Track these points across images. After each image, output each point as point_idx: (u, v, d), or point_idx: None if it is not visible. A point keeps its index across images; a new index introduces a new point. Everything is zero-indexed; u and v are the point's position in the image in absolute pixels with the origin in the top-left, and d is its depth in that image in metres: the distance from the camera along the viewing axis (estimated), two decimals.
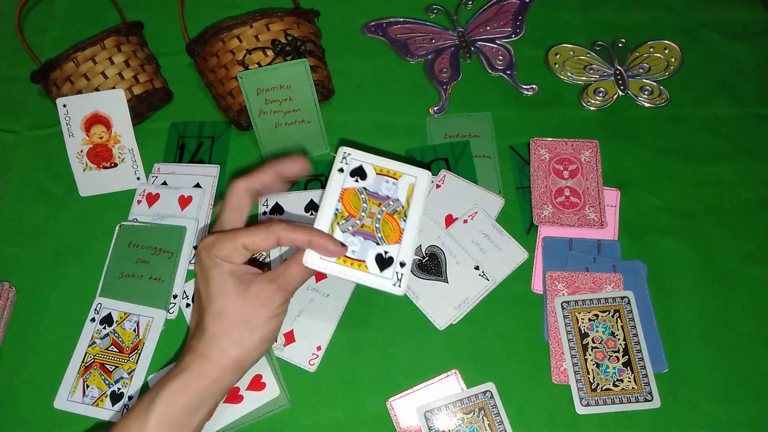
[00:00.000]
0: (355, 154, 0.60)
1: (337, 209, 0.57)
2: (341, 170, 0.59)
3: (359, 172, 0.60)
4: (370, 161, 0.60)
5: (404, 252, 0.56)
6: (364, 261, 0.56)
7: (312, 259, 0.54)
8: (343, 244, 0.55)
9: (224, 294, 0.51)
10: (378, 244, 0.57)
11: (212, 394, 0.51)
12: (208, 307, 0.51)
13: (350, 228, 0.57)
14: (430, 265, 0.71)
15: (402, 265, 0.56)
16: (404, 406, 0.65)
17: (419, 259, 0.72)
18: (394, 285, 0.55)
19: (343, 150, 0.60)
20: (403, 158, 0.60)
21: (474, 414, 0.63)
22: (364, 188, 0.59)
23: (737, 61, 0.86)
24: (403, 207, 0.58)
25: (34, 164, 0.81)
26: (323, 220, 0.57)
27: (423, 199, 0.59)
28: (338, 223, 0.57)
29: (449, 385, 0.65)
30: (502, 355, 0.68)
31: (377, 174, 0.60)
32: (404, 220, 0.58)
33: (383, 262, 0.56)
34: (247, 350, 0.51)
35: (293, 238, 0.53)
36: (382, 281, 0.55)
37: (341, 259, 0.55)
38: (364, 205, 0.57)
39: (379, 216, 0.57)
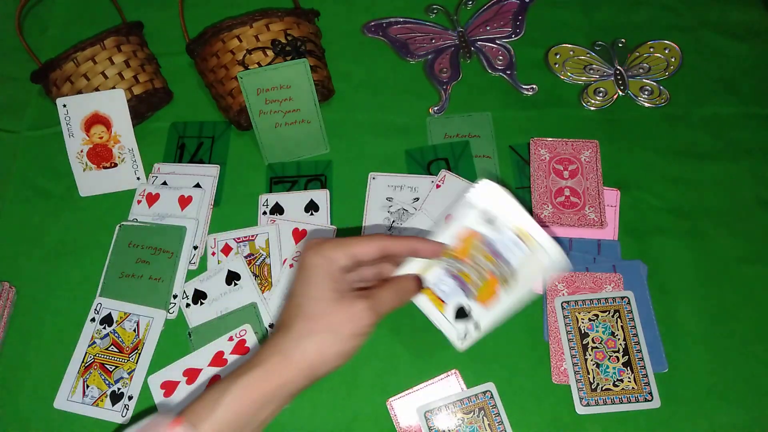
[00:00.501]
0: (500, 198, 0.53)
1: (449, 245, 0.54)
2: (474, 207, 0.53)
3: (491, 220, 0.53)
4: (510, 213, 0.53)
5: (486, 318, 0.54)
6: (445, 303, 0.54)
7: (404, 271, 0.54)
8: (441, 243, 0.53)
9: (320, 297, 0.50)
10: (467, 296, 0.54)
11: (281, 396, 0.49)
12: (301, 306, 0.50)
13: (451, 269, 0.54)
14: None
15: (476, 327, 0.54)
16: (404, 406, 0.65)
17: None
18: (459, 339, 0.54)
19: (488, 185, 0.53)
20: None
21: (474, 414, 0.63)
22: (488, 240, 0.53)
23: (737, 61, 0.86)
24: (512, 278, 0.53)
25: (34, 164, 0.81)
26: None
27: (534, 282, 0.53)
28: (443, 257, 0.54)
29: (449, 385, 0.65)
30: (502, 355, 0.68)
31: (509, 230, 0.53)
32: (505, 291, 0.53)
33: (462, 314, 0.54)
34: (324, 359, 0.50)
35: (397, 246, 0.52)
36: (451, 330, 0.54)
37: (428, 291, 0.54)
38: (478, 257, 0.53)
39: (484, 274, 0.53)
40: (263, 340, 0.67)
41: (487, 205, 0.53)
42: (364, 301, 0.50)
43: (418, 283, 0.54)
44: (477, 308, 0.54)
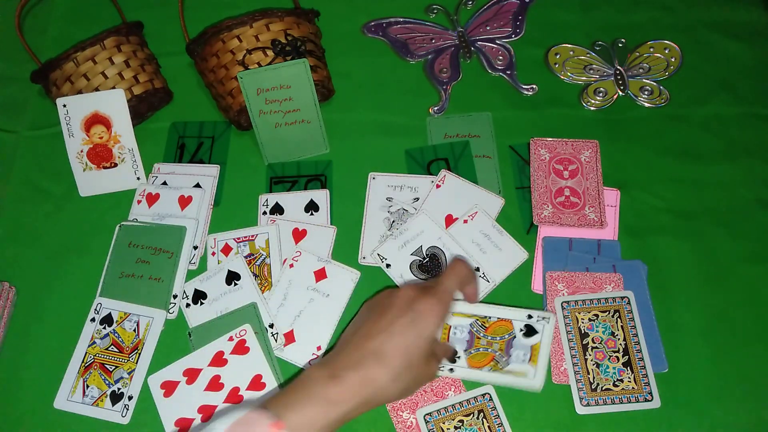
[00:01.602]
0: (547, 329, 0.62)
1: (475, 328, 0.63)
2: (529, 320, 0.63)
3: (527, 333, 0.62)
4: (545, 341, 0.61)
5: (461, 372, 0.61)
6: (448, 340, 0.63)
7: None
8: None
9: (422, 353, 0.55)
10: (465, 350, 0.62)
11: (360, 411, 0.52)
12: (407, 353, 0.54)
13: (474, 330, 0.63)
14: (430, 265, 0.72)
15: (451, 371, 0.61)
16: (404, 408, 0.65)
17: (419, 260, 0.72)
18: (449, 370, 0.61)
19: (551, 322, 0.62)
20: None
21: (473, 416, 0.63)
22: (513, 340, 0.62)
23: (737, 61, 0.86)
24: (501, 369, 0.61)
25: (34, 164, 0.81)
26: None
27: (507, 381, 0.61)
28: (478, 320, 0.63)
29: (451, 392, 0.65)
30: None
31: (528, 347, 0.62)
32: (488, 371, 0.61)
33: (452, 358, 0.62)
34: (387, 390, 0.53)
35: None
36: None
37: (447, 326, 0.63)
38: (497, 339, 0.62)
39: (489, 351, 0.62)
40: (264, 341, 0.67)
41: (537, 326, 0.62)
42: (437, 364, 0.58)
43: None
44: (463, 362, 0.62)
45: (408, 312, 0.55)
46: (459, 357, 0.62)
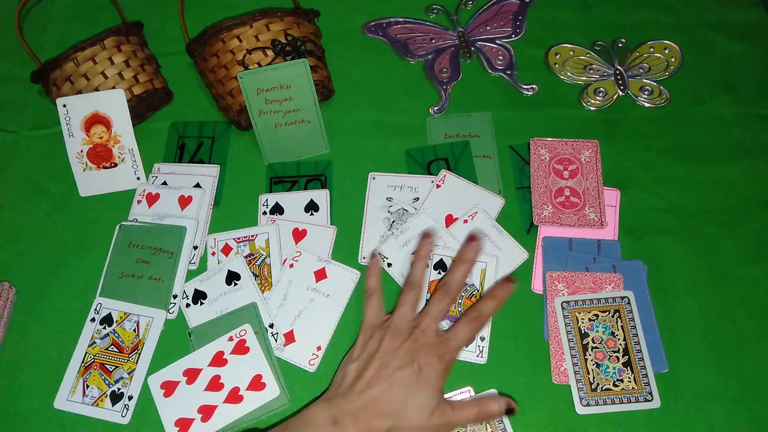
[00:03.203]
0: (437, 250, 0.70)
1: (428, 300, 0.66)
2: (426, 266, 0.68)
3: (441, 265, 0.70)
4: (448, 254, 0.70)
5: (483, 328, 0.66)
6: None
7: None
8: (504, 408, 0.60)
9: (429, 406, 0.56)
10: None
11: None
12: (393, 389, 0.56)
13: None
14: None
15: (482, 339, 0.67)
16: None
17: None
18: (478, 356, 0.67)
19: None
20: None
21: None
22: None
23: (737, 61, 0.86)
24: (478, 290, 0.69)
25: (34, 164, 0.81)
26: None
27: (493, 282, 0.69)
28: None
29: (461, 398, 0.65)
30: (502, 355, 0.67)
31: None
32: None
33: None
34: None
35: (469, 418, 0.59)
36: (469, 354, 0.67)
37: None
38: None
39: (459, 301, 0.68)
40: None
41: (433, 260, 0.70)
42: (444, 418, 0.56)
43: (503, 408, 0.59)
44: None
45: (411, 364, 0.56)
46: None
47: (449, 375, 0.59)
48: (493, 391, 0.65)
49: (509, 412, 0.59)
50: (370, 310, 0.65)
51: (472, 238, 0.67)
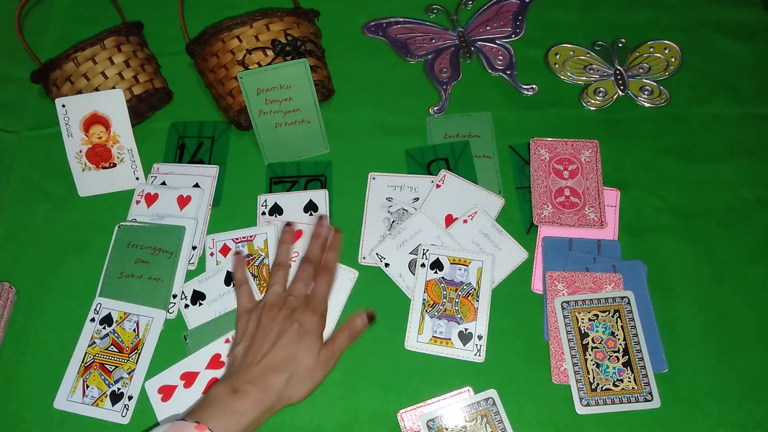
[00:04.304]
0: (433, 249, 0.71)
1: (424, 299, 0.69)
2: (423, 265, 0.71)
3: (437, 265, 0.71)
4: (444, 253, 0.71)
5: (480, 327, 0.68)
6: (449, 339, 0.68)
7: (412, 342, 0.68)
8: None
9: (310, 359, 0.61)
10: (458, 323, 0.68)
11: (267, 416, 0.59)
12: (281, 349, 0.61)
13: (436, 314, 0.69)
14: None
15: (480, 337, 0.68)
16: (414, 419, 0.64)
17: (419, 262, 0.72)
18: (476, 355, 0.67)
19: (423, 247, 0.72)
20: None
21: (476, 421, 0.63)
22: (443, 278, 0.70)
23: (737, 61, 0.86)
24: (474, 289, 0.69)
25: (34, 164, 0.81)
26: (415, 310, 0.69)
27: (490, 280, 0.70)
28: (426, 311, 0.69)
29: (461, 398, 0.65)
30: (502, 355, 0.67)
31: (451, 264, 0.70)
32: (477, 300, 0.69)
33: (464, 337, 0.68)
34: (287, 392, 0.60)
35: (345, 342, 0.65)
36: (466, 353, 0.67)
37: (432, 339, 0.67)
38: (444, 292, 0.69)
39: (456, 300, 0.69)
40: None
41: (429, 259, 0.71)
42: (329, 351, 0.62)
43: (365, 320, 0.66)
44: (470, 325, 0.68)
45: (291, 325, 0.62)
46: (466, 329, 0.67)
47: (325, 323, 0.64)
48: (360, 311, 0.66)
49: (371, 319, 0.66)
50: (242, 298, 0.68)
51: (319, 218, 0.71)
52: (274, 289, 0.66)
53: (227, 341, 0.67)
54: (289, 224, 0.72)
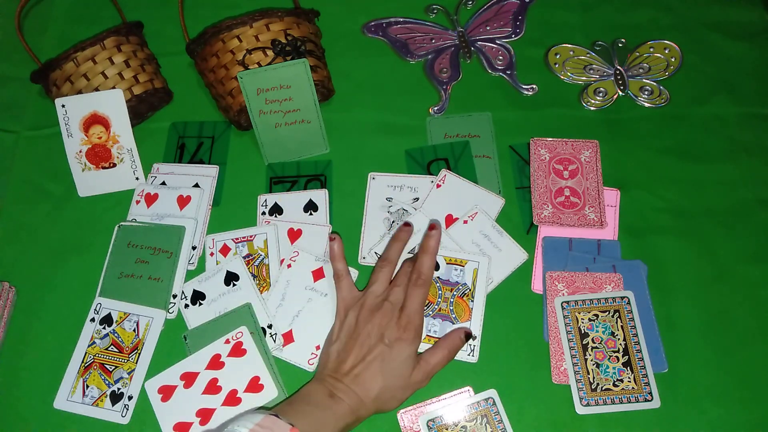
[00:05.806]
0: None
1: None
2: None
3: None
4: (441, 253, 0.71)
5: (474, 327, 0.68)
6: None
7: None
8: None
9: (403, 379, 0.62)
10: (453, 323, 0.68)
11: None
12: (370, 366, 0.61)
13: (431, 313, 0.69)
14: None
15: (473, 338, 0.67)
16: (414, 419, 0.64)
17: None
18: (469, 355, 0.67)
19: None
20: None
21: (476, 422, 0.63)
22: (438, 278, 0.70)
23: (737, 61, 0.86)
24: (470, 290, 0.69)
25: (34, 164, 0.81)
26: None
27: (485, 281, 0.70)
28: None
29: (461, 398, 0.65)
30: (502, 355, 0.67)
31: (447, 264, 0.70)
32: (472, 301, 0.69)
33: None
34: (370, 408, 0.61)
35: (441, 363, 0.64)
36: (460, 353, 0.67)
37: (427, 339, 0.67)
38: (439, 292, 0.70)
39: (452, 300, 0.69)
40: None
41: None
42: (422, 373, 0.62)
43: (463, 338, 0.65)
44: (464, 325, 0.68)
45: (380, 343, 0.61)
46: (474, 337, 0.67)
47: (420, 338, 0.64)
48: (458, 327, 0.67)
49: (468, 336, 0.65)
50: (342, 292, 0.67)
51: (431, 227, 0.68)
52: (374, 289, 0.66)
53: (227, 342, 0.67)
54: (407, 224, 0.71)
